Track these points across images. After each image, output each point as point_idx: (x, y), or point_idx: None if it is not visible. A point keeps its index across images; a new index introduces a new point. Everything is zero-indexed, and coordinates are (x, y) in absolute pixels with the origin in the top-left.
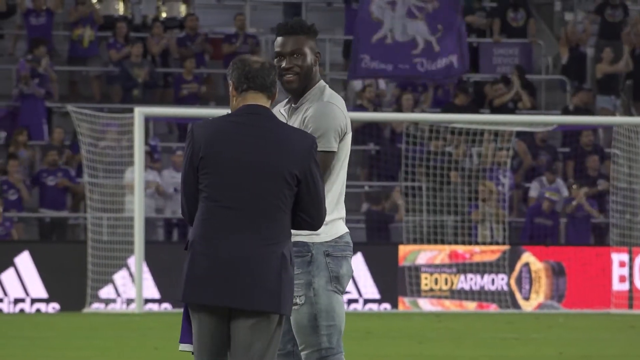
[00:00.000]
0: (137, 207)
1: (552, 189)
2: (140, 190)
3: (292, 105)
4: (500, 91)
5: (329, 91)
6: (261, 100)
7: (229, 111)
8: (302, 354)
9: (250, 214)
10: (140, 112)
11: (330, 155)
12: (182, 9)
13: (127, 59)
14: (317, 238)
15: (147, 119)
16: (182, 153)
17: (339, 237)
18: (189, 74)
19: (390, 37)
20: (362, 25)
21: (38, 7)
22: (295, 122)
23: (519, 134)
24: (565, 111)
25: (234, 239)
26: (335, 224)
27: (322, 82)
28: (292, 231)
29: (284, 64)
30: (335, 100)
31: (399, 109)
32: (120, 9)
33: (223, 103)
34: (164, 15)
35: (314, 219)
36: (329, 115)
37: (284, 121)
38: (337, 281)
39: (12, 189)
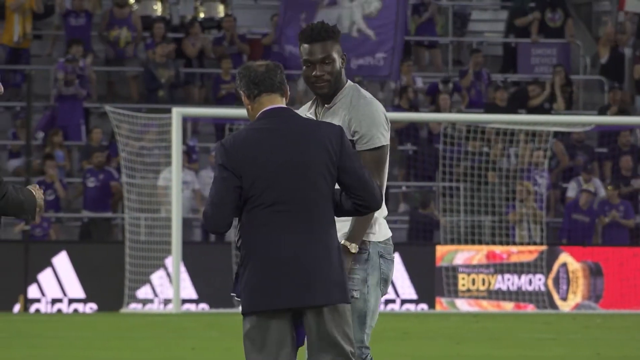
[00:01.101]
0: (175, 207)
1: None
2: (177, 190)
3: (326, 105)
4: (535, 91)
5: (363, 90)
6: (276, 100)
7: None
8: None
9: (300, 212)
10: (177, 113)
11: (386, 148)
12: (220, 9)
13: (153, 59)
14: (373, 237)
15: (185, 119)
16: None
17: (387, 239)
18: (227, 74)
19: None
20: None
21: (77, 7)
22: (333, 122)
23: (556, 134)
24: (603, 111)
25: (293, 240)
26: (384, 224)
27: (350, 82)
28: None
29: (315, 72)
30: (373, 98)
31: (437, 110)
32: (159, 9)
33: None
34: (202, 15)
35: (366, 200)
36: (377, 111)
37: None
38: (385, 284)
39: (49, 189)
